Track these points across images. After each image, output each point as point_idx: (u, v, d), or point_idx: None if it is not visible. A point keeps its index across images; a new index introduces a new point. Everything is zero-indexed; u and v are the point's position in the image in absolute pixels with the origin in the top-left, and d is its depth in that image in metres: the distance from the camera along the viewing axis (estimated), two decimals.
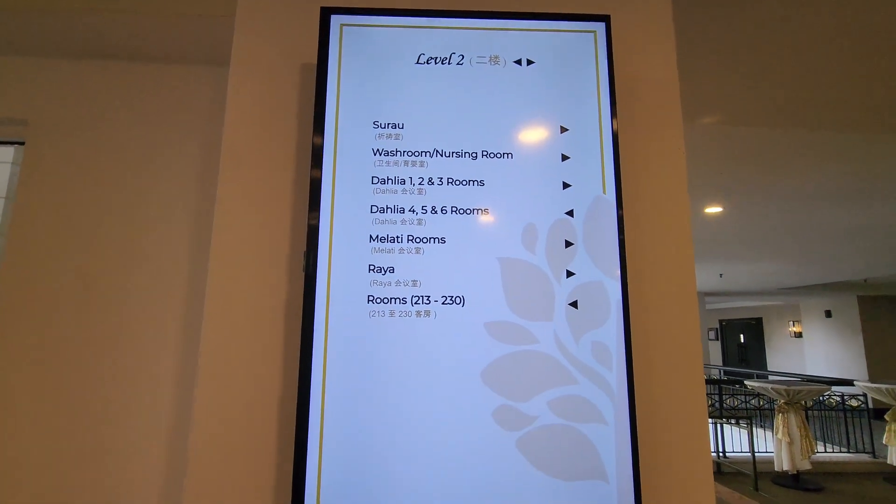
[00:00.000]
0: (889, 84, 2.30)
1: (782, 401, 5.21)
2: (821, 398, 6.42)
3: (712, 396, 6.51)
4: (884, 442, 5.33)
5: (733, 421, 5.55)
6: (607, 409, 0.90)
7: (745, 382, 5.83)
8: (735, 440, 5.81)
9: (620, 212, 0.99)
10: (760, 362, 12.69)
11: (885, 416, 5.32)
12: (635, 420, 0.90)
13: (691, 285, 1.05)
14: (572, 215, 0.98)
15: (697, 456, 0.98)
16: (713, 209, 3.98)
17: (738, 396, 6.50)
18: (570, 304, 0.95)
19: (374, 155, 0.98)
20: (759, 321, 12.91)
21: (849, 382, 5.90)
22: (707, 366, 12.02)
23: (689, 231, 1.08)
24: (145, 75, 1.45)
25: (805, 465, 4.98)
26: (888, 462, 5.37)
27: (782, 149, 2.92)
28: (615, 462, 0.89)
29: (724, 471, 5.51)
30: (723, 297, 11.29)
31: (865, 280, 8.31)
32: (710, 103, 2.31)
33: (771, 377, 7.71)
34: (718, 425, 5.95)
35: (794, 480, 5.10)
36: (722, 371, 11.56)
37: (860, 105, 2.43)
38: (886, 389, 5.23)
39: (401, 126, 1.00)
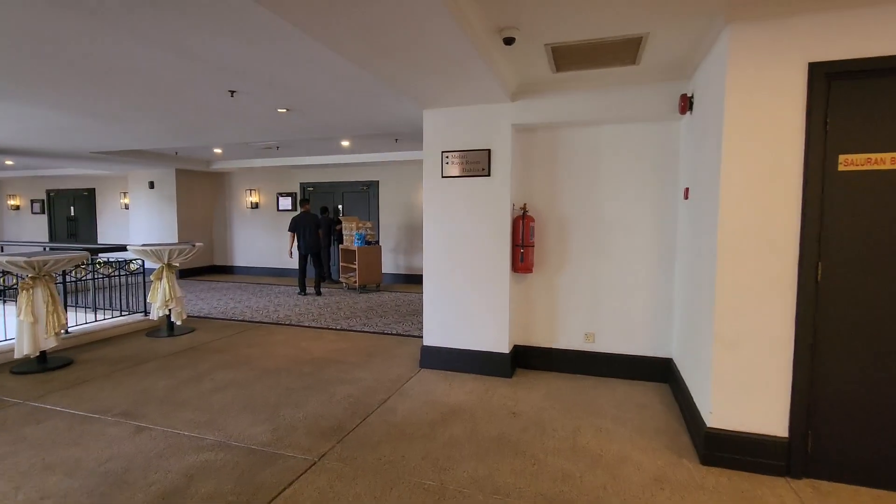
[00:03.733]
0: None
1: (29, 276, 4.29)
2: (102, 265, 6.08)
3: None
4: (149, 300, 5.58)
5: None
6: None
7: None
8: None
9: None
10: (91, 236, 11.69)
11: (151, 277, 5.55)
12: None
13: None
14: None
15: None
16: None
17: None
18: None
19: None
20: (92, 192, 11.68)
21: (122, 248, 5.75)
22: (27, 243, 9.63)
23: None
24: None
25: (51, 343, 4.38)
26: (153, 318, 5.70)
27: None
28: None
29: None
30: (45, 161, 9.11)
31: (177, 153, 8.68)
32: None
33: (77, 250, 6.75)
34: None
35: (40, 362, 4.43)
36: (48, 248, 9.64)
37: None
38: (151, 251, 5.37)
39: None
